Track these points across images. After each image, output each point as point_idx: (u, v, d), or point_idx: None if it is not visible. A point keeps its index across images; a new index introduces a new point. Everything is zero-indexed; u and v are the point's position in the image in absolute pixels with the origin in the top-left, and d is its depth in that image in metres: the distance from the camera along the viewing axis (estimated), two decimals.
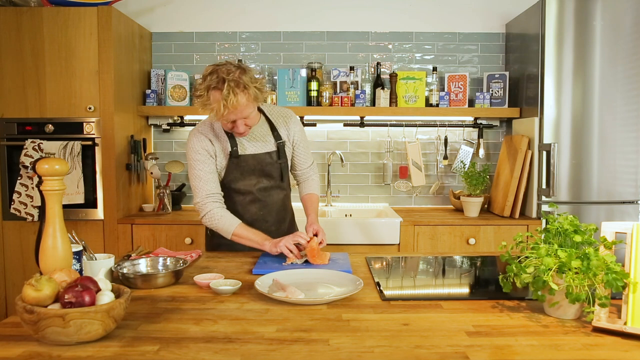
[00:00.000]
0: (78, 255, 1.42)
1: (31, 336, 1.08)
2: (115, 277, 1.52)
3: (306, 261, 1.77)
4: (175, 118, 3.33)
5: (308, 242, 1.77)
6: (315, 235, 1.87)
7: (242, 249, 1.92)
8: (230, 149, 1.91)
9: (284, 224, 2.10)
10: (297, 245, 1.78)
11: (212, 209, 1.86)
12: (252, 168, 1.96)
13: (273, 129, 1.99)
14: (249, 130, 1.88)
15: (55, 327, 1.02)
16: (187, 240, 2.85)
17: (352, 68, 3.27)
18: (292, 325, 1.18)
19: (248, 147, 1.95)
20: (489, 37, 3.38)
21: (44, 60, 2.80)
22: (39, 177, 1.22)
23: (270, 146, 1.99)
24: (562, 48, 2.82)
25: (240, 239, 1.85)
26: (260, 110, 1.99)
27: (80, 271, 1.44)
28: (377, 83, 3.27)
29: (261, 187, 2.00)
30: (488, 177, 3.15)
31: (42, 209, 1.24)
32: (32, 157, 2.72)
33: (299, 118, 2.14)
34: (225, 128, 1.88)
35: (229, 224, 1.85)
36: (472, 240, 2.85)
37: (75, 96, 2.82)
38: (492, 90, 3.24)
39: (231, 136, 1.92)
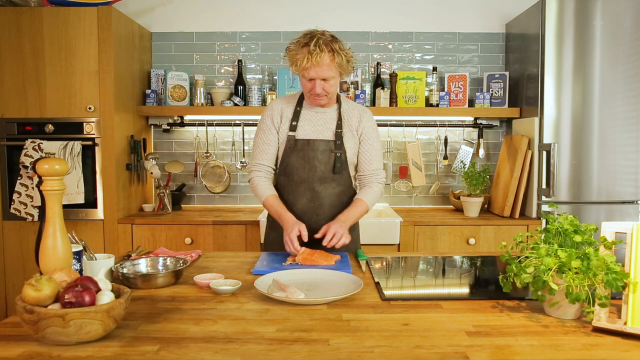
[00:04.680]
0: (78, 255, 1.42)
1: (31, 336, 1.08)
2: (115, 277, 1.52)
3: None
4: (175, 118, 3.34)
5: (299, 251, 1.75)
6: (323, 236, 1.80)
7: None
8: (288, 131, 1.95)
9: None
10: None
11: (254, 177, 2.00)
12: (307, 155, 1.94)
13: (339, 119, 1.98)
14: (326, 100, 1.92)
15: (55, 327, 1.02)
16: (187, 240, 2.85)
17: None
18: (292, 325, 1.18)
19: (306, 131, 1.96)
20: (489, 37, 3.38)
21: (44, 60, 2.80)
22: (39, 177, 1.22)
23: (329, 134, 1.97)
24: (562, 48, 2.82)
25: (269, 208, 1.95)
26: (337, 100, 2.02)
27: (80, 271, 1.44)
28: (377, 83, 3.27)
29: (315, 177, 1.96)
30: (488, 177, 3.15)
31: (42, 209, 1.24)
32: (32, 157, 2.72)
33: (374, 119, 2.07)
34: (305, 90, 1.92)
35: (262, 193, 1.97)
36: (472, 240, 2.85)
37: (75, 96, 2.82)
38: (492, 90, 3.24)
39: (297, 117, 1.95)
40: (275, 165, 2.04)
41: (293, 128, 1.96)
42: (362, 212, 1.95)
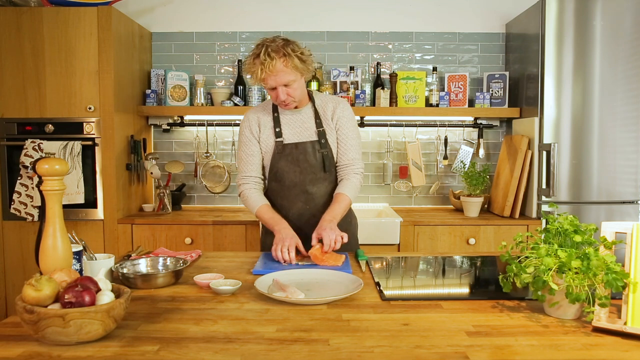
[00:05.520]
0: (78, 255, 1.42)
1: (31, 336, 1.08)
2: (115, 277, 1.52)
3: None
4: (175, 118, 3.34)
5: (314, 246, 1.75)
6: (320, 241, 1.78)
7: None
8: (274, 139, 1.95)
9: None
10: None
11: (243, 189, 1.99)
12: (297, 158, 1.94)
13: (317, 116, 1.98)
14: (294, 103, 1.91)
15: (55, 327, 1.02)
16: (187, 240, 2.85)
17: (352, 68, 3.27)
18: (292, 325, 1.18)
19: (290, 135, 1.95)
20: (489, 37, 3.38)
21: (44, 60, 2.80)
22: (39, 177, 1.22)
23: (312, 134, 1.96)
24: (562, 48, 2.82)
25: (262, 217, 1.94)
26: (310, 98, 2.01)
27: (80, 271, 1.44)
28: (377, 83, 3.28)
29: (306, 180, 1.96)
30: (488, 177, 3.15)
31: (42, 209, 1.24)
32: (32, 157, 2.72)
33: (351, 108, 2.04)
34: (272, 99, 1.92)
35: (253, 205, 1.96)
36: (472, 240, 2.85)
37: (75, 96, 2.82)
38: (492, 90, 3.24)
39: (278, 123, 1.95)
40: (263, 174, 2.04)
41: (278, 134, 1.95)
42: (346, 207, 1.93)
